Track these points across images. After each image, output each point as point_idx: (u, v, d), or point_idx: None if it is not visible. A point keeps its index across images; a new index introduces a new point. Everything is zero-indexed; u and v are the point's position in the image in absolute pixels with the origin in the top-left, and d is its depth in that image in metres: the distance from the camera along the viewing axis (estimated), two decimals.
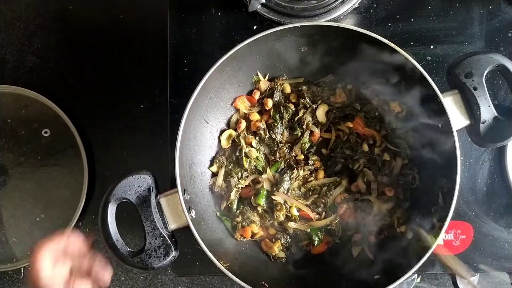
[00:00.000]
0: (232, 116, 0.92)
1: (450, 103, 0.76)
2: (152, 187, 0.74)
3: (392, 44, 0.74)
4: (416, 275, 1.24)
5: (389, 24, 0.96)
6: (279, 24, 0.95)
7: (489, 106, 0.74)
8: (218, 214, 0.89)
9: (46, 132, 1.26)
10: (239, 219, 0.88)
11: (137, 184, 0.73)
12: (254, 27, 0.97)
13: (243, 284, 0.73)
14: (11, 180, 1.27)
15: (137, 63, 1.30)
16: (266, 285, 0.78)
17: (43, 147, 1.27)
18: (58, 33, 1.32)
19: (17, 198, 1.27)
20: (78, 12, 1.31)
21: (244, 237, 0.88)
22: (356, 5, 0.96)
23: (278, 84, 0.90)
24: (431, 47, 0.95)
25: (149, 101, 1.29)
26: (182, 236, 0.84)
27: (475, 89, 0.74)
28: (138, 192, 0.73)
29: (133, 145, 1.29)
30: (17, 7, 1.33)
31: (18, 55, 1.32)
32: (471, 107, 0.75)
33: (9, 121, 1.27)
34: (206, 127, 0.88)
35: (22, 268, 1.33)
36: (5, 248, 1.26)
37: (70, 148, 1.26)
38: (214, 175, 0.91)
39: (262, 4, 0.95)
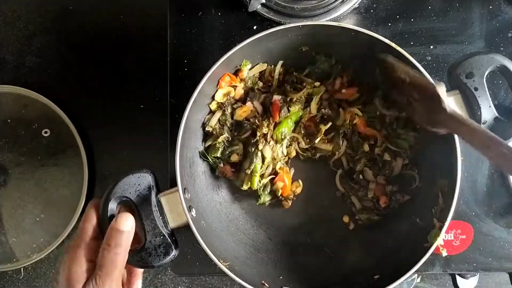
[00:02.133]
0: None
1: (451, 103, 0.75)
2: (153, 186, 0.73)
3: (393, 44, 0.74)
4: (416, 275, 1.24)
5: (389, 24, 0.96)
6: (279, 24, 0.95)
7: (489, 106, 0.74)
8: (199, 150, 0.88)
9: (46, 132, 1.26)
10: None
11: (137, 182, 0.73)
12: (254, 27, 0.97)
13: (243, 283, 0.73)
14: (11, 180, 1.27)
15: (137, 63, 1.30)
16: (266, 285, 0.78)
17: (43, 147, 1.26)
18: (58, 33, 1.32)
19: (17, 198, 1.26)
20: (78, 12, 1.31)
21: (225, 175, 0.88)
22: (356, 5, 0.96)
23: None
24: (431, 47, 0.95)
25: (149, 101, 1.29)
26: (182, 236, 0.83)
27: (476, 89, 0.74)
28: (138, 190, 0.73)
29: (133, 145, 1.29)
30: (17, 7, 1.33)
31: (18, 55, 1.32)
32: (471, 108, 0.75)
33: (9, 121, 1.27)
34: None
35: (22, 268, 1.32)
36: (5, 248, 1.26)
37: (70, 148, 1.25)
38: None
39: (262, 4, 0.95)
